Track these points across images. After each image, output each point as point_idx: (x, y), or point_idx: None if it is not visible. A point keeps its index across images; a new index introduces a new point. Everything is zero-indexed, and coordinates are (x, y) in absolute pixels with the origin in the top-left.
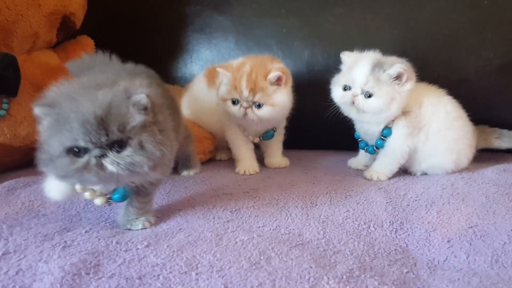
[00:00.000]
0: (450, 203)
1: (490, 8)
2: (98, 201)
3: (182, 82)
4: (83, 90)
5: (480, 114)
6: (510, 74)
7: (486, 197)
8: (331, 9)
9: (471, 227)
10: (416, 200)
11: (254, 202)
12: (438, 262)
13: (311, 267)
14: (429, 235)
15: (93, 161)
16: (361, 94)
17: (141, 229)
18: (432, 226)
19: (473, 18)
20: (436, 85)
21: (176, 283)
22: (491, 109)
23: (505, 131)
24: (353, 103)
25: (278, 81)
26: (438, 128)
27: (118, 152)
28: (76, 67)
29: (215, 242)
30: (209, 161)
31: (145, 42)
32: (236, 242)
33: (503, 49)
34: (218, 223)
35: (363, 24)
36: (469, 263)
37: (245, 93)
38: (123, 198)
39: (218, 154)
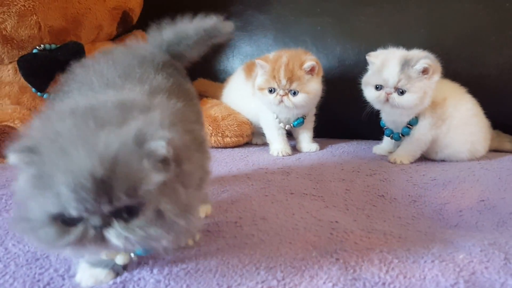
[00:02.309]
0: (465, 182)
1: (511, 9)
2: (120, 259)
3: (224, 75)
4: (78, 131)
5: (500, 107)
6: None
7: (499, 178)
8: (363, 8)
9: (482, 200)
10: (434, 179)
11: (287, 175)
12: (450, 226)
13: (336, 222)
14: (444, 206)
15: (91, 232)
16: (395, 92)
17: None
18: (446, 200)
19: (494, 18)
20: (459, 80)
21: (225, 231)
22: (509, 102)
23: None
24: (387, 100)
25: (311, 71)
26: (458, 122)
27: (126, 221)
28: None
29: (255, 201)
30: (246, 144)
31: None
32: (272, 202)
33: None
34: (256, 188)
35: (392, 23)
36: (477, 227)
37: (283, 82)
38: (147, 251)
39: (254, 139)
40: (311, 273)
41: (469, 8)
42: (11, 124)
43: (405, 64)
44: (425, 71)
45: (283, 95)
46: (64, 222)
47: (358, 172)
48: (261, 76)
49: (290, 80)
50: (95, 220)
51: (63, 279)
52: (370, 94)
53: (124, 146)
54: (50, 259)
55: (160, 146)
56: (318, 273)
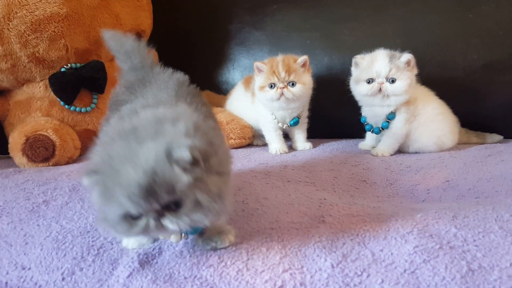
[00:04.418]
0: (435, 168)
1: (474, 19)
2: (173, 238)
3: (225, 85)
4: (123, 152)
5: (467, 104)
6: (490, 72)
7: (464, 163)
8: (346, 24)
9: (447, 181)
10: (408, 167)
11: (284, 168)
12: (419, 202)
13: (325, 199)
14: (415, 187)
15: (152, 223)
16: (386, 81)
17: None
18: (417, 182)
19: (460, 28)
20: (431, 82)
21: (235, 207)
22: (475, 100)
23: (481, 133)
24: (379, 90)
25: (303, 65)
26: (425, 119)
27: (174, 211)
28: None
29: (258, 187)
30: (248, 145)
31: (197, 53)
32: (272, 188)
33: (484, 52)
34: (258, 178)
35: (372, 35)
36: (440, 200)
37: (283, 74)
38: (196, 230)
39: (255, 140)
40: (304, 231)
41: (437, 20)
42: (45, 133)
43: (392, 57)
44: (408, 63)
45: (283, 87)
46: (131, 217)
47: (345, 163)
48: (260, 77)
49: (288, 72)
50: (151, 215)
51: (112, 244)
52: (362, 88)
53: (158, 159)
54: (98, 231)
55: (183, 153)
56: (309, 230)
